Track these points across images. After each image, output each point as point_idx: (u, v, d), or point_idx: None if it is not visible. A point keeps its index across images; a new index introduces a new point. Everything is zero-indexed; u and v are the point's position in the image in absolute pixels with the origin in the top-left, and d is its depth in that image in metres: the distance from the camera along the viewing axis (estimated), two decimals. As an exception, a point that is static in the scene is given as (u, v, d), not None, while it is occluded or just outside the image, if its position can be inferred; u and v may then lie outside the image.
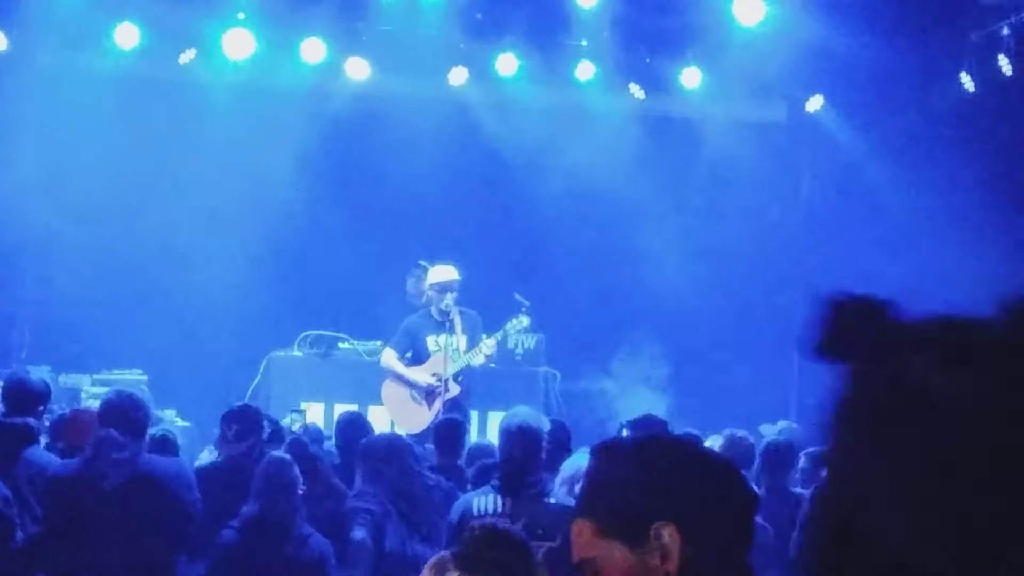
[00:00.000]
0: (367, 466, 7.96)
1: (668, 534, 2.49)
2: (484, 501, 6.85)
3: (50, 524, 7.22)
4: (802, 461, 9.61)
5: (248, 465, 8.20)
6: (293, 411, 11.36)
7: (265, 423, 9.22)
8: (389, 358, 12.66)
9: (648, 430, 8.33)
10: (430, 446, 10.29)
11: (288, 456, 7.74)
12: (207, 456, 10.10)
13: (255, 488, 7.49)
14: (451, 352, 12.24)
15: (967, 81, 14.16)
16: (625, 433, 9.04)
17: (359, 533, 7.47)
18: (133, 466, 7.10)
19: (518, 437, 7.01)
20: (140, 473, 7.13)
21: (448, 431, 9.65)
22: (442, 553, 3.30)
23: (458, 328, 12.36)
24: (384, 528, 7.56)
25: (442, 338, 12.34)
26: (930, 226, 14.45)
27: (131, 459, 7.12)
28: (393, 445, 8.27)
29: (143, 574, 7.13)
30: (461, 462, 9.41)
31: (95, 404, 12.65)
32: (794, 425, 11.04)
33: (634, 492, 2.53)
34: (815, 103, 15.24)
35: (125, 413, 7.21)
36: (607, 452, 2.66)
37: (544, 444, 7.16)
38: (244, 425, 8.72)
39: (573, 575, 2.66)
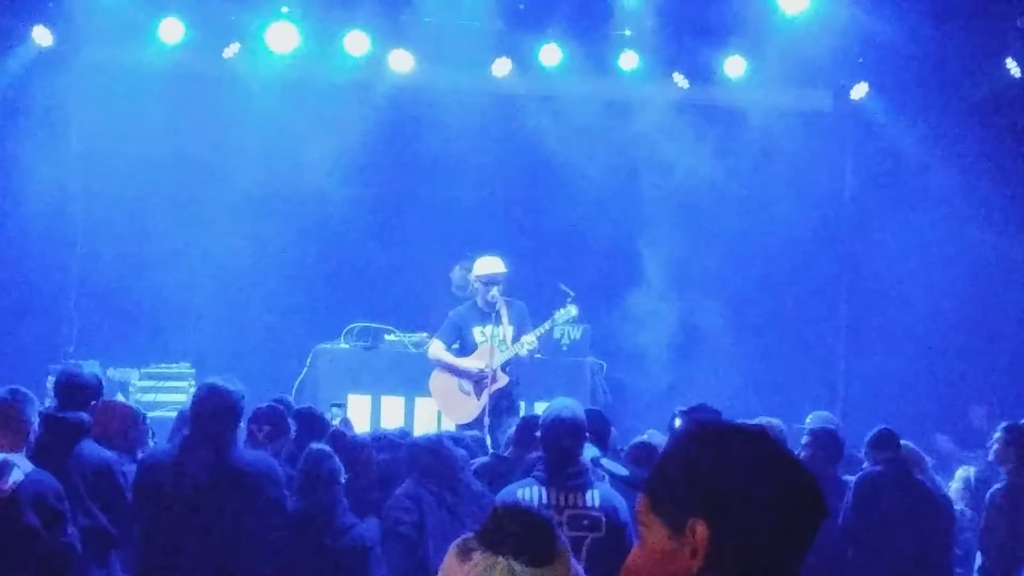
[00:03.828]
0: (414, 473, 8.00)
1: (699, 531, 2.50)
2: (528, 493, 6.78)
3: (141, 516, 7.33)
4: (866, 450, 9.53)
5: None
6: (333, 405, 11.34)
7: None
8: (437, 349, 12.67)
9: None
10: (477, 433, 10.70)
11: (327, 448, 7.72)
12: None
13: (296, 482, 7.50)
14: (497, 343, 12.25)
15: (1013, 67, 14.05)
16: (678, 422, 9.00)
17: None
18: (218, 464, 7.15)
19: (559, 429, 6.95)
20: (224, 471, 7.16)
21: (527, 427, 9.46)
22: (466, 534, 3.31)
23: (504, 318, 12.36)
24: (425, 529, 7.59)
25: (488, 328, 12.33)
26: (976, 213, 14.36)
27: (215, 458, 7.15)
28: (441, 456, 8.12)
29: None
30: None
31: (143, 397, 12.82)
32: (827, 414, 10.91)
33: (681, 483, 2.54)
34: (860, 90, 15.13)
35: (215, 409, 7.24)
36: (679, 435, 2.64)
37: (586, 435, 7.14)
38: (275, 426, 8.76)
39: (615, 567, 2.67)
